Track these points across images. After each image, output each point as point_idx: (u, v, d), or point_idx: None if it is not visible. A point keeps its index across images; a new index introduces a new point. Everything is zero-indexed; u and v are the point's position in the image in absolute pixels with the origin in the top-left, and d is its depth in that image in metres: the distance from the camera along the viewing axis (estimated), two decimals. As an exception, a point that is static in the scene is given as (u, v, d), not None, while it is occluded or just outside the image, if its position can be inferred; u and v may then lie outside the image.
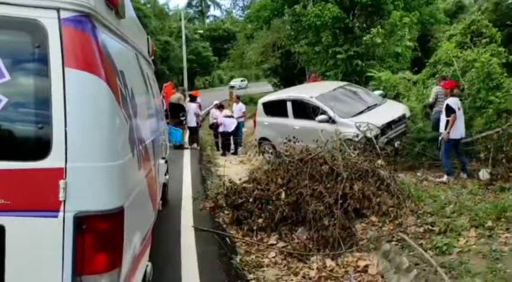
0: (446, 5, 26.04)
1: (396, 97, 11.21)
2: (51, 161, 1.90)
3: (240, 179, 6.72)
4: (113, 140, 2.09)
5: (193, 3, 61.47)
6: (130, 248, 2.30)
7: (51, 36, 1.94)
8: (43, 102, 1.91)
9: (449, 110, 7.29)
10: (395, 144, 8.15)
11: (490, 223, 4.64)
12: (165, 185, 5.87)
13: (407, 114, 9.02)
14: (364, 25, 15.22)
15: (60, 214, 1.90)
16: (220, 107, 13.50)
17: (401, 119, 8.74)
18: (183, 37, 36.36)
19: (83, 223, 1.92)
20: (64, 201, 1.90)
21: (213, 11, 70.45)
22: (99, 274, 1.97)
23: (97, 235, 1.95)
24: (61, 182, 1.90)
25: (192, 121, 12.73)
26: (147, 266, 3.09)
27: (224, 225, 6.05)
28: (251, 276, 4.67)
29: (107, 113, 2.05)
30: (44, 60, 1.92)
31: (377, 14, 15.15)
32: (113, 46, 2.47)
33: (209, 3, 62.55)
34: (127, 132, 2.37)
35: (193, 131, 13.03)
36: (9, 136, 1.94)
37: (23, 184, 1.89)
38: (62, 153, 1.90)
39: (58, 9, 1.96)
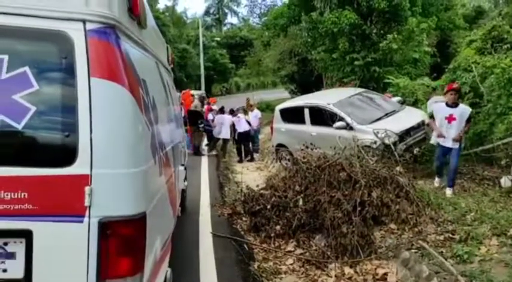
0: (465, 10, 25.70)
1: (415, 103, 11.10)
2: (77, 168, 1.95)
3: (257, 186, 6.74)
4: (136, 147, 2.13)
5: (211, 11, 62.07)
6: (152, 253, 2.34)
7: (78, 47, 2.00)
8: (69, 110, 1.96)
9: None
10: (414, 151, 8.06)
11: (512, 232, 4.57)
12: (183, 192, 5.93)
13: (427, 120, 8.91)
14: (382, 31, 15.14)
15: (86, 219, 1.95)
16: (231, 112, 13.56)
17: (420, 125, 8.63)
18: (201, 45, 36.77)
19: (107, 228, 1.97)
20: (89, 206, 1.95)
21: (230, 19, 70.81)
22: (123, 278, 2.01)
23: (121, 240, 2.00)
24: (86, 188, 1.94)
25: (226, 133, 12.70)
26: (167, 271, 3.13)
27: (242, 232, 6.07)
28: (269, 283, 4.68)
29: (131, 120, 2.10)
30: (70, 70, 1.99)
31: (394, 20, 15.06)
32: (136, 55, 2.54)
33: (226, 11, 63.05)
34: (149, 139, 2.42)
35: (225, 142, 13.10)
36: (36, 143, 1.99)
37: (50, 190, 1.94)
38: (87, 160, 1.95)
39: (84, 21, 2.03)
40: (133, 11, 2.47)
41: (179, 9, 62.19)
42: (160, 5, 42.17)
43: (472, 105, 8.60)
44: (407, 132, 8.35)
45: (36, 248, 1.94)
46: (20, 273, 1.95)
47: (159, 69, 3.88)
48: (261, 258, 5.27)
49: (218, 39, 49.44)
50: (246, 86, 50.20)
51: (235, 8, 62.28)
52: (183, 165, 5.03)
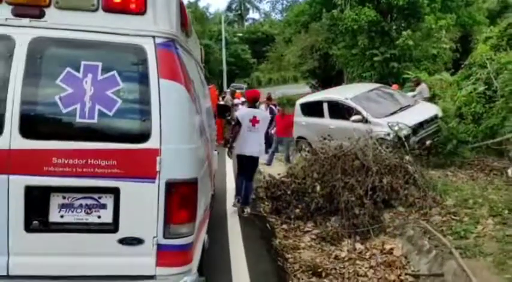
0: (490, 4, 25.45)
1: (432, 98, 11.50)
2: (151, 144, 2.65)
3: (278, 174, 7.34)
4: (191, 129, 2.86)
5: (233, 6, 62.64)
6: (200, 210, 3.05)
7: (150, 56, 2.71)
8: (145, 102, 2.67)
9: None
10: (427, 143, 8.50)
11: (506, 213, 5.09)
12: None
13: (440, 114, 9.32)
14: (401, 28, 15.52)
15: (156, 181, 2.65)
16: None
17: (434, 119, 9.03)
18: (223, 40, 37.34)
19: (171, 187, 2.66)
20: (159, 171, 2.64)
21: (252, 14, 71.14)
22: (182, 224, 2.72)
23: (181, 196, 2.70)
24: (157, 158, 2.63)
25: None
26: (205, 237, 3.82)
27: (265, 214, 6.71)
28: (289, 255, 5.29)
29: (187, 110, 2.82)
30: (145, 73, 2.69)
31: (414, 16, 15.40)
32: (186, 60, 3.24)
33: (248, 6, 63.52)
34: (198, 125, 3.14)
35: None
36: (122, 126, 2.72)
37: (132, 159, 2.65)
38: (158, 138, 2.64)
39: (154, 37, 2.74)
40: (184, 25, 3.19)
41: (201, 4, 62.87)
42: (184, 1, 42.77)
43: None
44: (421, 125, 8.78)
45: (121, 200, 2.65)
46: (109, 219, 2.67)
47: (198, 68, 4.58)
48: (281, 236, 5.88)
49: (240, 34, 49.90)
50: (268, 81, 50.54)
51: (257, 3, 62.70)
52: (215, 150, 5.72)
